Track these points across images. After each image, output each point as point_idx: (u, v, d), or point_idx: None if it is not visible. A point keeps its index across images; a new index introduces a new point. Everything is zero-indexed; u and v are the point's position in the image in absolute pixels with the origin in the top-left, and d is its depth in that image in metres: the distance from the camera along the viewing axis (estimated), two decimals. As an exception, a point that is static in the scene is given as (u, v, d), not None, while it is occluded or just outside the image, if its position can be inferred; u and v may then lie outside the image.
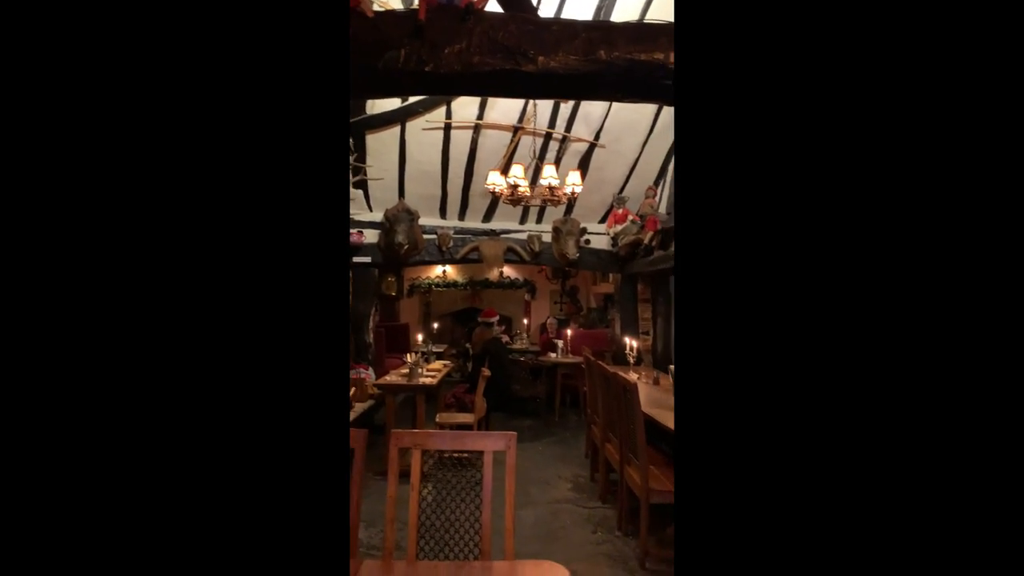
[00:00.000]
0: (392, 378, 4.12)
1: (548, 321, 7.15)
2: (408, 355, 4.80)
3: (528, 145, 4.92)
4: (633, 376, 3.97)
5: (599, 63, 1.32)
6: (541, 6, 3.54)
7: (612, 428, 3.16)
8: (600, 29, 1.34)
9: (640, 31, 1.34)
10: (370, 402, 4.31)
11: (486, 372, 4.08)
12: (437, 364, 4.71)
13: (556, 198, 3.60)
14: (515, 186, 3.53)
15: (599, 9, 3.73)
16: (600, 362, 3.54)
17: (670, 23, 2.05)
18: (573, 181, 3.74)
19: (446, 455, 1.67)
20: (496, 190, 3.68)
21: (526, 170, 3.83)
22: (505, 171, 3.76)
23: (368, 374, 4.65)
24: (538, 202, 3.85)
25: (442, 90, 2.21)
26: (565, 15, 3.73)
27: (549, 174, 3.56)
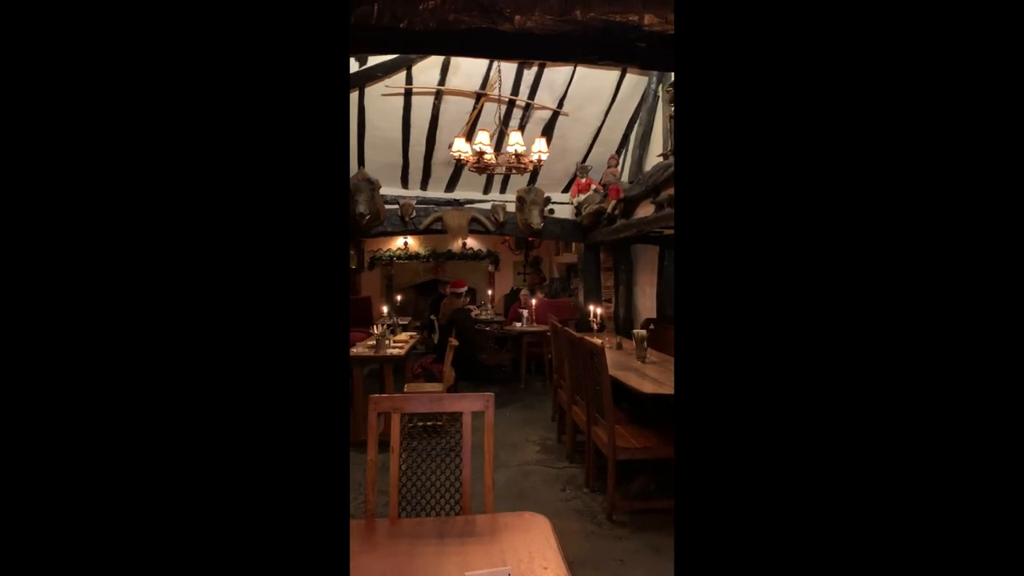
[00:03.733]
0: (359, 350, 4.08)
1: (522, 292, 7.21)
2: (375, 327, 4.77)
3: (491, 112, 4.86)
4: (598, 341, 4.09)
5: (575, 23, 1.31)
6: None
7: (579, 391, 3.26)
8: (575, -12, 1.33)
9: (614, -8, 1.34)
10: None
11: (454, 341, 4.10)
12: (403, 335, 4.69)
13: (522, 166, 3.59)
14: (481, 153, 3.49)
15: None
16: (567, 328, 3.62)
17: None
18: (539, 148, 3.73)
19: (419, 424, 1.69)
20: (462, 157, 3.63)
21: (491, 137, 3.78)
22: (469, 138, 3.70)
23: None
24: (504, 170, 3.83)
25: (416, 48, 2.12)
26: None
27: (515, 141, 3.53)
